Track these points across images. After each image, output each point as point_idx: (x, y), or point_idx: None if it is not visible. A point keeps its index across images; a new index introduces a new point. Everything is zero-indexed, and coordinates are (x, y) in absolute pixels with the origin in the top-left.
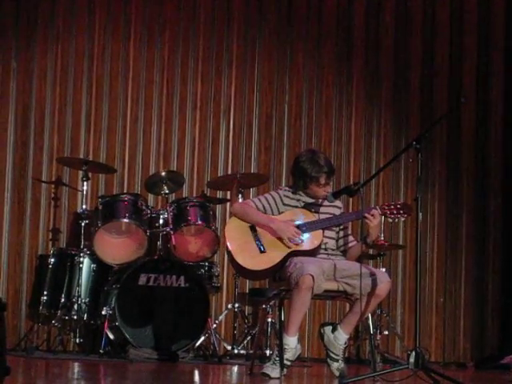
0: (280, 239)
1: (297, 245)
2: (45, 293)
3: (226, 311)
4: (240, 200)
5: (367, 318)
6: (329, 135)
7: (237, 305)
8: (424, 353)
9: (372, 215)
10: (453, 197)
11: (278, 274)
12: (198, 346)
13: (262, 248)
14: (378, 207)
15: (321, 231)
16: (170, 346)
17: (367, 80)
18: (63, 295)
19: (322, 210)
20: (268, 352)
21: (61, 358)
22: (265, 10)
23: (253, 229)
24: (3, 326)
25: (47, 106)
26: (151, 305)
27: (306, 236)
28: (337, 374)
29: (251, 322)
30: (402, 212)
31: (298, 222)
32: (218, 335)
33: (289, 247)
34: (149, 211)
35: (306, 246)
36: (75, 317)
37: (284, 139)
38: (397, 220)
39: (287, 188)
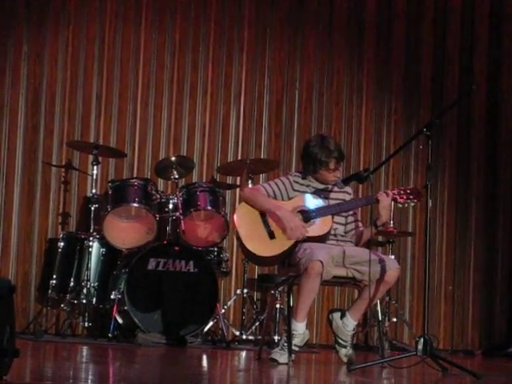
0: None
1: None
2: (54, 276)
3: (234, 297)
4: (250, 186)
5: (376, 305)
6: (339, 122)
7: (245, 290)
8: (432, 340)
9: (383, 194)
10: (462, 184)
11: (287, 259)
12: (207, 331)
13: (271, 234)
14: (388, 191)
15: (330, 217)
16: (178, 330)
17: (378, 67)
18: (72, 279)
19: (331, 195)
20: (276, 338)
21: (69, 342)
22: None
23: (262, 215)
24: (12, 308)
25: (58, 90)
26: (160, 289)
27: (315, 222)
28: (345, 360)
29: (260, 307)
30: (411, 197)
31: (307, 208)
32: (226, 320)
33: (288, 238)
34: (158, 196)
35: (315, 232)
36: (84, 301)
37: (294, 125)
38: (406, 205)
39: (297, 173)
